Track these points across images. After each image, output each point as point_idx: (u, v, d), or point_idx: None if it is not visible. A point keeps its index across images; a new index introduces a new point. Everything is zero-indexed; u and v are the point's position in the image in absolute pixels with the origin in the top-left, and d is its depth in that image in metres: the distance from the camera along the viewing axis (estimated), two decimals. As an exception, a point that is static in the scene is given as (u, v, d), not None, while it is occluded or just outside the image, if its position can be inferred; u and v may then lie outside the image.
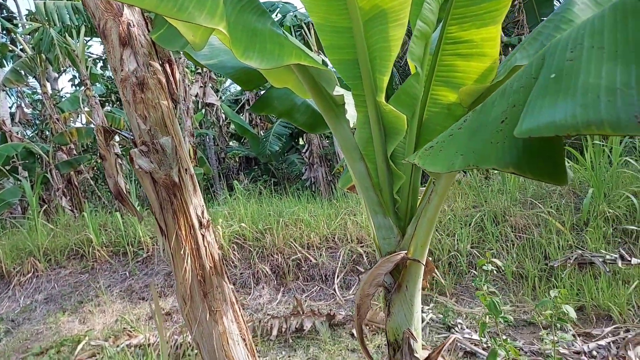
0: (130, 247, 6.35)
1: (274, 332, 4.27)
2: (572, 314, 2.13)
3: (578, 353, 3.37)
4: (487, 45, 1.48)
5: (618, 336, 3.48)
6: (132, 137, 1.72)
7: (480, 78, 1.54)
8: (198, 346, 1.80)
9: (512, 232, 5.03)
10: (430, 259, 5.04)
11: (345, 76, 1.54)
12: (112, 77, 14.83)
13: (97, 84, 12.92)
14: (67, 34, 8.70)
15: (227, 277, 1.86)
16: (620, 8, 0.73)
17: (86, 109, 9.61)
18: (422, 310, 4.35)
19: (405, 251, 1.46)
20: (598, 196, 4.95)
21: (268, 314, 4.71)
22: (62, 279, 6.25)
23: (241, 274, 5.57)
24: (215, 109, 12.77)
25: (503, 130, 0.88)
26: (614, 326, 3.62)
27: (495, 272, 4.73)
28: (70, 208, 8.61)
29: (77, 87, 14.69)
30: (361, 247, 5.37)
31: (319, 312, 4.40)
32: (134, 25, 1.78)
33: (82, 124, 12.79)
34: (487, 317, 2.58)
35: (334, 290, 5.09)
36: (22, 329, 5.36)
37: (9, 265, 6.29)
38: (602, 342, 3.43)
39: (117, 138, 9.09)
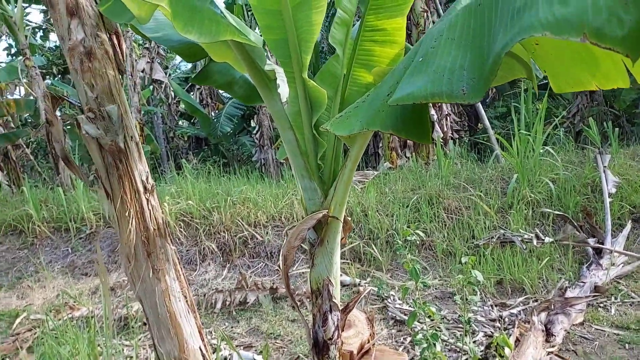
0: (73, 223, 6.23)
1: (218, 305, 4.42)
2: (480, 277, 2.44)
3: (493, 320, 3.78)
4: (397, 33, 1.74)
5: (527, 305, 3.92)
6: (79, 105, 1.80)
7: (392, 62, 1.78)
8: (141, 302, 1.94)
9: (445, 213, 5.43)
10: (369, 238, 5.36)
11: (277, 55, 1.72)
12: (53, 49, 14.11)
13: (36, 54, 12.23)
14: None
15: (170, 239, 2.00)
16: (467, 9, 0.97)
17: (25, 80, 9.15)
18: (359, 285, 4.66)
19: (327, 210, 1.67)
20: (522, 182, 5.43)
21: (213, 289, 4.84)
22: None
23: (187, 250, 5.65)
24: (164, 86, 12.50)
25: (386, 102, 1.10)
26: (525, 296, 4.07)
27: (426, 249, 5.12)
28: (7, 183, 8.25)
29: (14, 57, 13.85)
30: (306, 225, 5.59)
31: (263, 286, 4.59)
32: (81, -5, 1.85)
33: (19, 95, 12.12)
34: (410, 281, 2.87)
35: (279, 266, 5.29)
36: (-45, 304, 5.19)
37: (-62, 239, 6.02)
38: (514, 311, 3.86)
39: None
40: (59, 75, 13.83)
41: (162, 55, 11.01)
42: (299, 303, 4.21)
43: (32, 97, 8.77)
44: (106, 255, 5.92)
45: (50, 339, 3.49)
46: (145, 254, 1.87)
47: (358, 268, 5.07)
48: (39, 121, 8.11)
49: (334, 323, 1.65)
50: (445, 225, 5.31)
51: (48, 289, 5.24)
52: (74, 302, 4.62)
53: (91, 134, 1.73)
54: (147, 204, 1.88)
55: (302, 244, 5.29)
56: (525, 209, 5.21)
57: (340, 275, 5.04)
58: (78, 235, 6.20)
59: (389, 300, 4.27)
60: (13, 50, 14.07)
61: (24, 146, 9.44)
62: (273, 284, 4.64)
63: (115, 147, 1.77)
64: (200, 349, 2.00)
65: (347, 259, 5.19)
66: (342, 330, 1.72)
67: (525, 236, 4.71)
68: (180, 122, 15.22)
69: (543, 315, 3.44)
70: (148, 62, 10.10)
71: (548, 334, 3.25)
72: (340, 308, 1.74)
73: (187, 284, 2.02)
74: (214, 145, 12.95)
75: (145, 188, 1.87)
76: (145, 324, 4.03)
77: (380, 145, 8.39)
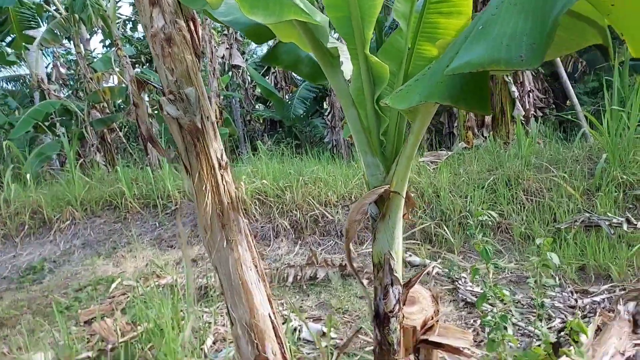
0: (160, 199, 6.75)
1: (290, 279, 4.61)
2: (556, 260, 2.32)
3: (572, 307, 3.57)
4: (463, 3, 1.68)
5: (613, 293, 3.65)
6: (161, 88, 1.96)
7: (457, 33, 1.72)
8: (216, 270, 2.09)
9: (524, 195, 5.17)
10: (413, 194, 5.25)
11: (341, 32, 1.74)
12: (141, 39, 15.14)
13: (127, 45, 13.21)
14: (98, -5, 8.94)
15: (242, 212, 2.13)
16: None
17: (118, 69, 9.95)
18: (429, 265, 4.60)
19: (389, 185, 1.68)
20: (612, 162, 5.00)
21: (285, 264, 5.04)
22: (98, 227, 6.74)
23: (262, 227, 5.91)
24: (241, 71, 12.96)
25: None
26: (610, 284, 3.79)
27: (502, 231, 4.92)
28: (104, 163, 9.12)
29: (108, 48, 15.05)
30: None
31: (332, 263, 4.70)
32: (161, -14, 1.99)
33: (113, 83, 13.23)
34: (482, 264, 2.80)
35: (348, 245, 5.38)
36: (62, 269, 5.89)
37: (49, 212, 6.80)
38: (597, 299, 3.62)
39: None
40: (147, 64, 14.82)
41: (240, 41, 11.40)
42: (367, 280, 4.27)
43: (124, 85, 9.54)
44: (189, 229, 6.37)
45: (140, 303, 3.87)
46: (220, 226, 2.01)
47: (429, 249, 5.01)
48: (130, 106, 8.83)
49: (395, 296, 1.68)
50: (524, 207, 5.05)
51: (138, 258, 5.77)
52: (160, 271, 5.04)
53: (172, 114, 1.88)
54: (222, 179, 2.00)
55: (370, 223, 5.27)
56: (616, 192, 4.80)
57: (410, 255, 5.02)
58: (164, 210, 6.72)
59: (460, 282, 4.19)
60: (107, 42, 15.30)
61: (118, 130, 10.32)
62: (342, 261, 4.73)
63: (193, 127, 1.91)
64: (269, 316, 2.12)
65: (417, 240, 5.14)
66: (404, 305, 1.74)
67: (614, 220, 4.35)
68: (256, 106, 15.72)
69: (631, 304, 3.18)
70: (227, 48, 10.53)
71: (636, 325, 3.01)
72: (403, 283, 1.76)
73: (258, 254, 2.14)
74: (287, 127, 13.25)
75: (220, 164, 2.00)
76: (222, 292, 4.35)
77: (456, 124, 8.10)
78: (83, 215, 6.88)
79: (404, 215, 1.76)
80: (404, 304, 1.75)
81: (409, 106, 1.20)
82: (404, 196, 1.70)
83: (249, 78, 13.85)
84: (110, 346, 3.63)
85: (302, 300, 4.25)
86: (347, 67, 1.84)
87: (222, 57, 10.73)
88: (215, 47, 9.64)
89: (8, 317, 4.58)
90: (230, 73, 13.44)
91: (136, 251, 5.91)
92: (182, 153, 1.97)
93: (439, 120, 8.85)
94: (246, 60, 15.62)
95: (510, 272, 4.31)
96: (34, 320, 4.20)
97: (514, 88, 7.00)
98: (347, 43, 1.77)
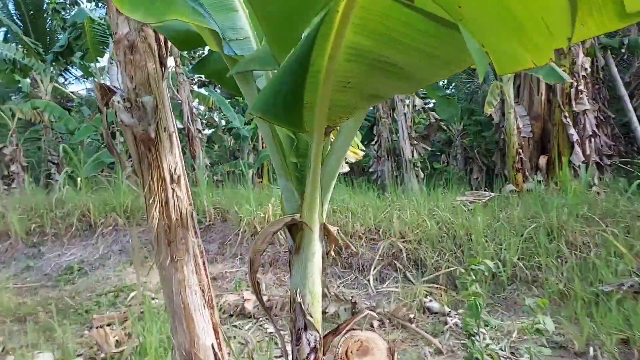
0: (195, 215, 6.86)
1: (298, 310, 4.42)
2: (550, 325, 1.96)
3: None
4: None
5: (657, 376, 3.08)
6: (123, 96, 1.93)
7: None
8: (163, 288, 1.99)
9: (568, 248, 4.62)
10: (337, 229, 4.81)
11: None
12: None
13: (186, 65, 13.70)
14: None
15: (195, 231, 2.02)
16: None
17: (175, 87, 10.48)
18: (448, 315, 4.21)
19: (298, 215, 1.49)
20: (677, 222, 4.36)
21: (298, 293, 4.85)
22: (136, 235, 6.97)
23: (285, 251, 5.79)
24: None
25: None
26: (656, 365, 3.21)
27: (538, 287, 4.41)
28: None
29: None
30: (402, 242, 5.29)
31: (345, 299, 4.46)
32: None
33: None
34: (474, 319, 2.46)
35: (368, 281, 5.10)
36: (96, 273, 6.13)
37: (96, 217, 7.16)
38: (636, 380, 3.07)
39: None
40: (210, 84, 15.45)
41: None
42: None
43: (178, 101, 9.96)
44: (217, 246, 6.40)
45: (134, 317, 3.90)
46: (166, 242, 1.92)
47: (453, 297, 4.60)
48: (182, 121, 9.24)
49: (309, 344, 1.46)
50: (565, 262, 4.51)
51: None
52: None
53: (125, 122, 1.84)
54: (173, 194, 1.93)
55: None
56: (678, 257, 4.15)
57: (430, 300, 4.63)
58: (198, 226, 6.81)
59: (477, 337, 3.76)
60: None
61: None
62: (352, 298, 4.46)
63: (146, 136, 1.85)
64: (213, 347, 1.96)
65: (441, 285, 4.75)
66: (324, 355, 1.51)
67: (670, 290, 3.74)
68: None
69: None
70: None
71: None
72: (334, 328, 1.54)
73: (208, 278, 2.01)
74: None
75: (172, 178, 1.92)
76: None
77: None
78: (125, 223, 7.16)
79: (327, 253, 1.56)
80: (324, 354, 1.52)
81: (255, 114, 1.05)
82: (315, 229, 1.49)
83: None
84: (102, 355, 3.64)
85: (304, 334, 4.03)
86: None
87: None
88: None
89: (31, 313, 4.80)
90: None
91: (162, 262, 6.00)
92: (135, 163, 1.92)
93: (490, 159, 8.32)
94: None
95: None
96: (50, 320, 4.33)
97: (572, 131, 6.39)
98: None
